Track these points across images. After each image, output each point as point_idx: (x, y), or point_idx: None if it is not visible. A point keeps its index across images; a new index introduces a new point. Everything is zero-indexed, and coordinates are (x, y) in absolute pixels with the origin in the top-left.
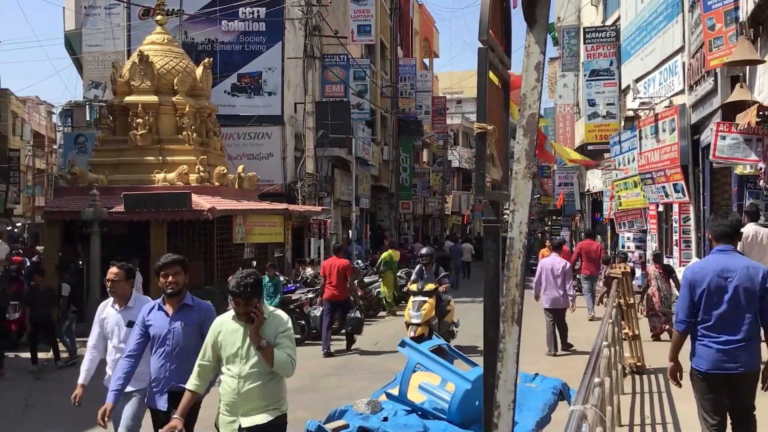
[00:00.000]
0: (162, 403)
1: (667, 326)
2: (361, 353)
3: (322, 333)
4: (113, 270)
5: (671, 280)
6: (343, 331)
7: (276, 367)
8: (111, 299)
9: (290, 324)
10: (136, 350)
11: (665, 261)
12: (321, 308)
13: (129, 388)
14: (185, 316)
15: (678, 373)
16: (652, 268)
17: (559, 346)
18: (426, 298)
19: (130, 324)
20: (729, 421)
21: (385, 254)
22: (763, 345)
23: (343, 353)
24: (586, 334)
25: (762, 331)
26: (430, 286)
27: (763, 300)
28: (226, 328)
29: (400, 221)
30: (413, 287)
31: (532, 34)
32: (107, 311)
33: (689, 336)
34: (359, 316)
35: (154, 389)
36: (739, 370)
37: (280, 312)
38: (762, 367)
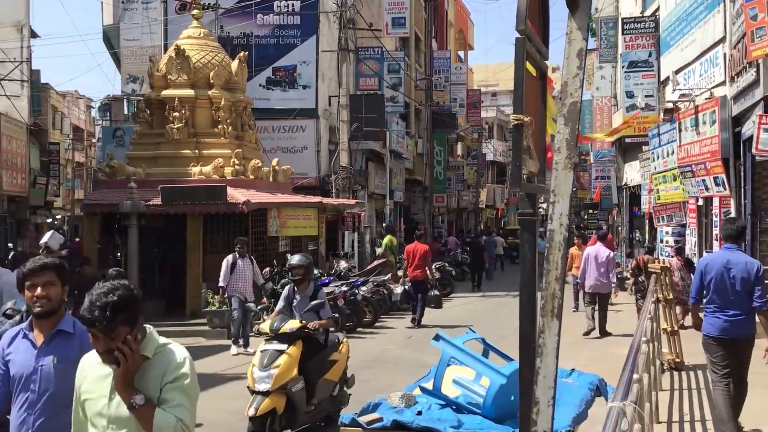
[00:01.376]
0: None
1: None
2: (396, 346)
3: (412, 306)
4: None
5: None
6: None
7: None
8: None
9: (188, 367)
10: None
11: (704, 254)
12: (403, 287)
13: None
14: (59, 349)
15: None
16: (674, 260)
17: (597, 325)
18: (284, 347)
19: None
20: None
21: (386, 239)
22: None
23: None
24: (623, 326)
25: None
26: (291, 325)
27: (755, 286)
28: (90, 373)
29: (434, 215)
30: (265, 327)
31: (574, 20)
32: None
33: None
34: (438, 293)
35: None
36: (739, 334)
37: (175, 347)
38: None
